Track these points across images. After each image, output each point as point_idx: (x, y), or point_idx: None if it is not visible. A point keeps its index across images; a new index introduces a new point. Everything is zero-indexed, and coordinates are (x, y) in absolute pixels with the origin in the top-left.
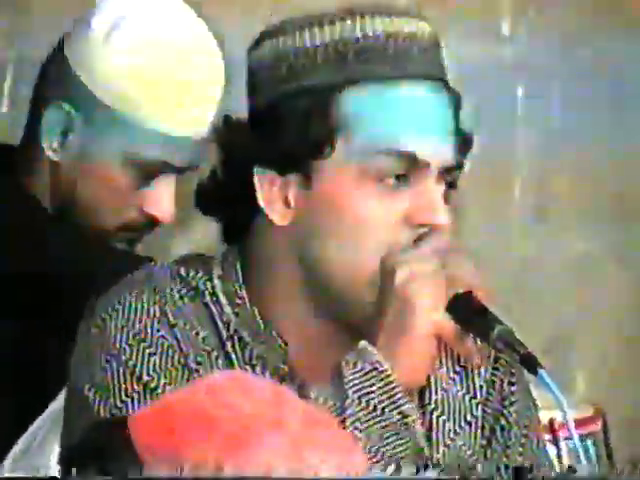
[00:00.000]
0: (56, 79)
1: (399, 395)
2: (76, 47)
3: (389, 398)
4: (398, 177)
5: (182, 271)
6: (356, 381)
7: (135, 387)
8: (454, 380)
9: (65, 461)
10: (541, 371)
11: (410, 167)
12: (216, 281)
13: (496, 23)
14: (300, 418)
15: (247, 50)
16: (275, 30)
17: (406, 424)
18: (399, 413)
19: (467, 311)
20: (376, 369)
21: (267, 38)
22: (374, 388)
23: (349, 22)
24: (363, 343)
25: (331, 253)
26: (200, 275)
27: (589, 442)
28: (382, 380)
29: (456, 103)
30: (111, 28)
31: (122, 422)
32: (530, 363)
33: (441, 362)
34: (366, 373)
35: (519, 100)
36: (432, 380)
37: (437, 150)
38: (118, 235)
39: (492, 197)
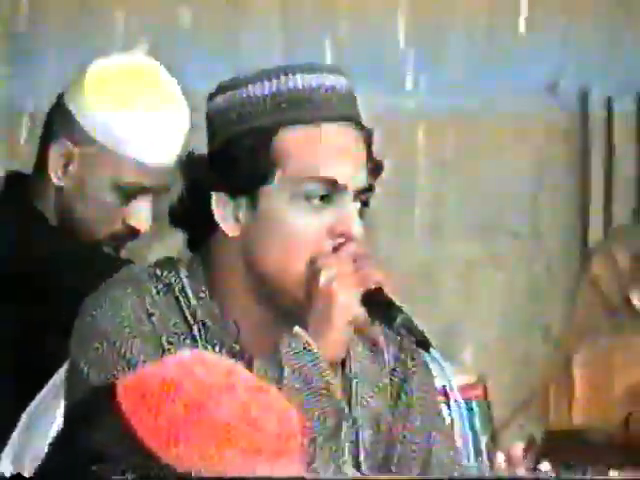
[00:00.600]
0: (59, 119)
1: (324, 368)
2: (73, 93)
3: (316, 370)
4: (322, 198)
5: (157, 271)
6: (291, 357)
7: (120, 363)
8: (368, 356)
9: (66, 420)
10: (433, 350)
11: (331, 189)
12: (185, 280)
13: (400, 79)
14: (247, 385)
15: (206, 99)
16: (227, 84)
17: (329, 390)
18: (324, 382)
19: (376, 304)
20: (306, 348)
21: (221, 91)
22: (305, 362)
23: (284, 78)
24: (297, 328)
25: (270, 258)
26: (172, 275)
27: (474, 404)
28: (311, 356)
29: (368, 138)
30: (99, 77)
31: (110, 389)
32: (425, 344)
33: (357, 343)
34: (299, 351)
35: (419, 138)
36: (351, 355)
37: (352, 175)
38: (107, 243)
39: (397, 214)
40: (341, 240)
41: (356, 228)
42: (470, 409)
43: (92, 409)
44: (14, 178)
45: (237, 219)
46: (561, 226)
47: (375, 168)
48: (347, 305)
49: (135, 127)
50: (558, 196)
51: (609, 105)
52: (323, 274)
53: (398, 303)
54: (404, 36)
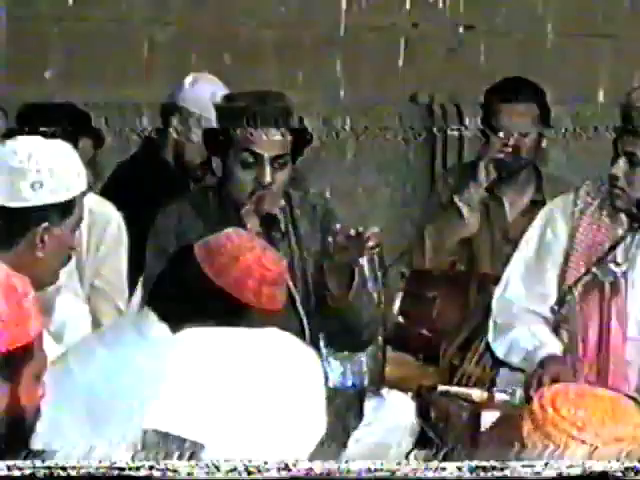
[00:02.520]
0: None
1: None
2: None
3: None
4: (251, 164)
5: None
6: None
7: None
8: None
9: (151, 291)
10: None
11: (255, 157)
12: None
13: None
14: (260, 244)
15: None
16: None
17: None
18: None
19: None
20: None
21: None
22: None
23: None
24: None
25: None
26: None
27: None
28: None
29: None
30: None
31: (190, 247)
32: None
33: None
34: None
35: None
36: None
37: (268, 150)
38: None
39: None
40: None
41: (267, 178)
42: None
43: (178, 258)
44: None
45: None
46: None
47: (297, 137)
48: None
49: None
50: None
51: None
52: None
53: None
54: None
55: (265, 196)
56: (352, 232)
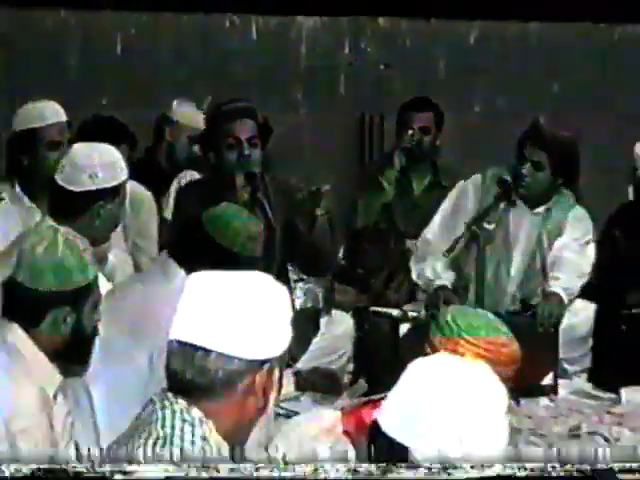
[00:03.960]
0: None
1: None
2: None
3: None
4: (233, 145)
5: None
6: None
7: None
8: None
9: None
10: None
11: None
12: None
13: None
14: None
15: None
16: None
17: None
18: None
19: None
20: None
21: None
22: None
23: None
24: None
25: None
26: None
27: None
28: None
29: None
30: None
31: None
32: None
33: None
34: None
35: None
36: None
37: (245, 136)
38: None
39: None
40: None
41: (245, 152)
42: None
43: (190, 223)
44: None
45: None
46: None
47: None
48: None
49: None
50: None
51: None
52: None
53: None
54: None
55: (247, 162)
56: (312, 188)
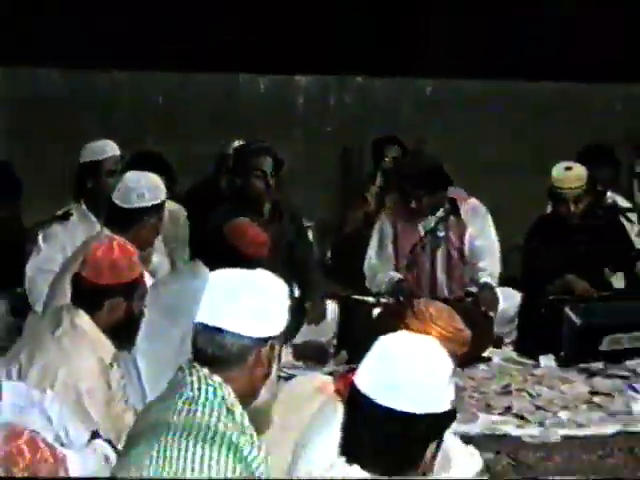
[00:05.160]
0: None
1: None
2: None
3: None
4: (260, 176)
5: None
6: None
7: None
8: None
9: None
10: None
11: (262, 172)
12: None
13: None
14: (256, 228)
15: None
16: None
17: None
18: None
19: None
20: None
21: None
22: None
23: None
24: None
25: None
26: None
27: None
28: None
29: (273, 151)
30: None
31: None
32: None
33: None
34: None
35: None
36: None
37: (267, 165)
38: None
39: None
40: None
41: (270, 182)
42: None
43: (214, 231)
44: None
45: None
46: None
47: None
48: None
49: None
50: None
51: None
52: None
53: None
54: None
55: (271, 191)
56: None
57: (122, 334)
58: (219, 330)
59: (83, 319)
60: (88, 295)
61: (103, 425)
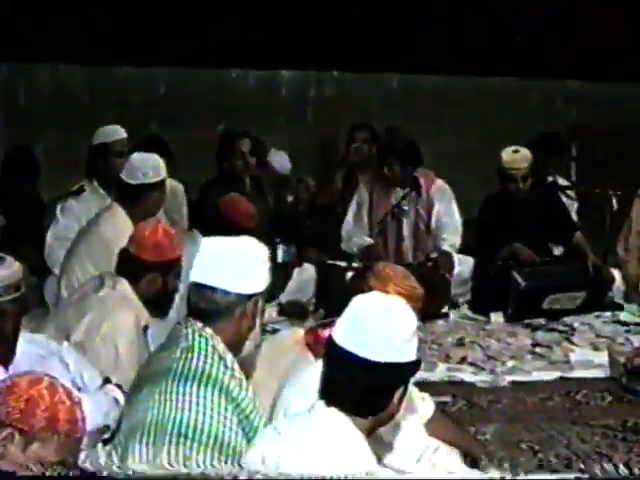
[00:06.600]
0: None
1: None
2: None
3: None
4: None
5: None
6: None
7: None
8: None
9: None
10: None
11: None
12: None
13: None
14: (246, 202)
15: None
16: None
17: None
18: None
19: None
20: None
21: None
22: None
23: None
24: None
25: None
26: None
27: None
28: None
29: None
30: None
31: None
32: None
33: None
34: None
35: None
36: None
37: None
38: None
39: None
40: None
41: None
42: None
43: (211, 206)
44: None
45: None
46: None
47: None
48: None
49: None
50: None
51: None
52: None
53: None
54: None
55: (248, 168)
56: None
57: (156, 305)
58: (210, 288)
59: (124, 285)
60: (131, 268)
61: (133, 375)
